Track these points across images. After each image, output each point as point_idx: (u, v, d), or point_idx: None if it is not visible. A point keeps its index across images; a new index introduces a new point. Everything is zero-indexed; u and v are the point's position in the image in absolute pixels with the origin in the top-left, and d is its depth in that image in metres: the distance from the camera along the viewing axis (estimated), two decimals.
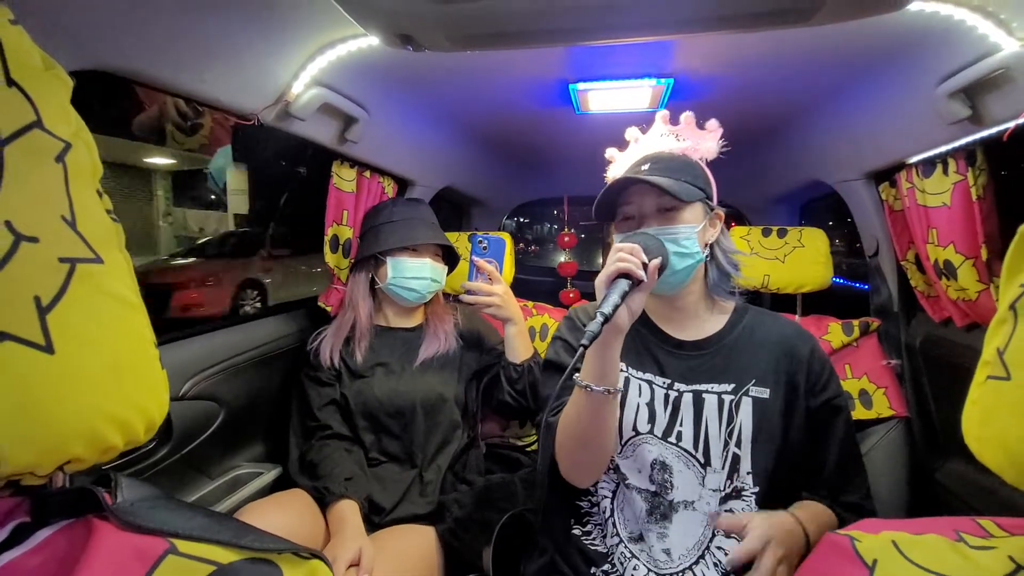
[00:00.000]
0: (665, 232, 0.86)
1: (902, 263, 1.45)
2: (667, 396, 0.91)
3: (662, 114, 0.97)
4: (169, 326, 1.26)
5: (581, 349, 0.72)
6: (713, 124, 0.95)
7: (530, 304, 1.82)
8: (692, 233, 0.87)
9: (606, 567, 0.90)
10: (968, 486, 1.22)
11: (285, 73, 1.06)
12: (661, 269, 0.80)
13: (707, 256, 0.93)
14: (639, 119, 1.49)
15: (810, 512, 0.83)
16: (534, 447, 1.63)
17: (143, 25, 0.79)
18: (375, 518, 1.22)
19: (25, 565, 0.37)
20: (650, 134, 0.98)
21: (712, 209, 0.93)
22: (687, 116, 0.96)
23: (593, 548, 0.92)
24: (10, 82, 0.37)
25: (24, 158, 0.37)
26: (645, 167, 0.90)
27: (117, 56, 0.79)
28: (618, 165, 1.02)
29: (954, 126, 1.03)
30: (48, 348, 0.36)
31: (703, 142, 0.94)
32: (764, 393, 0.89)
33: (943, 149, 1.14)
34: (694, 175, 0.89)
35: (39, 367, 0.36)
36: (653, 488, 0.89)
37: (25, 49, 0.40)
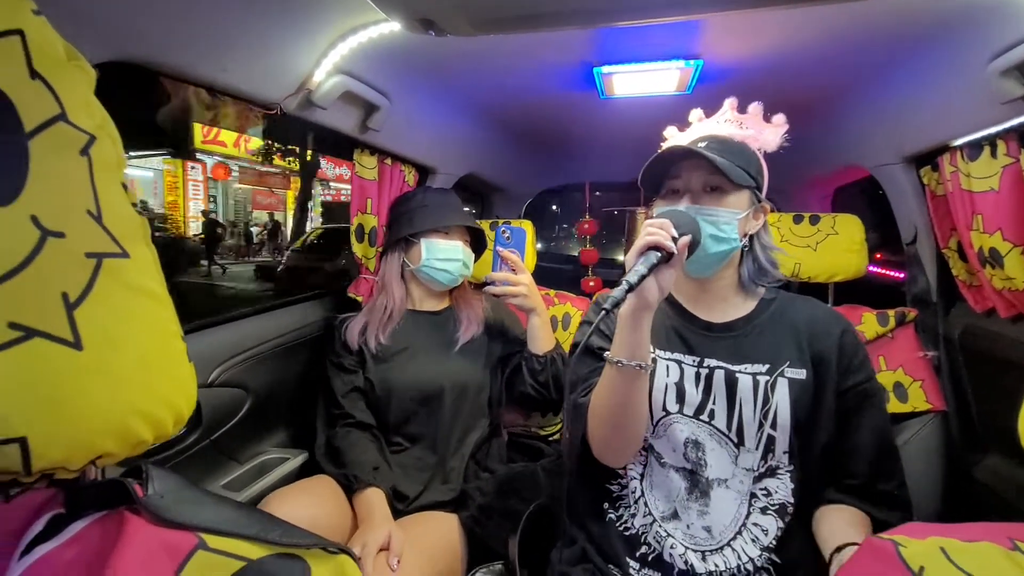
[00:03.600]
0: (705, 211, 0.85)
1: (943, 251, 1.38)
2: (698, 374, 0.90)
3: (730, 101, 0.95)
4: None
5: (603, 312, 0.73)
6: (780, 119, 0.93)
7: (551, 292, 1.81)
8: (733, 218, 0.85)
9: (643, 550, 0.90)
10: (1008, 483, 1.17)
11: (307, 61, 1.05)
12: (693, 247, 0.80)
13: (745, 246, 0.91)
14: (665, 103, 1.45)
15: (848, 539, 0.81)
16: (557, 437, 1.62)
17: (166, 15, 0.79)
18: (399, 505, 1.23)
19: (60, 558, 0.37)
20: (714, 118, 0.96)
21: (759, 201, 0.90)
22: (755, 107, 0.94)
23: (629, 533, 0.92)
24: (34, 74, 0.37)
25: (49, 152, 0.36)
26: (702, 145, 0.87)
27: (141, 47, 0.79)
28: (673, 142, 0.99)
29: (1006, 106, 0.97)
30: (76, 344, 0.36)
31: (765, 133, 0.92)
32: (800, 374, 0.87)
33: (992, 130, 1.08)
34: (747, 161, 0.87)
35: (68, 363, 0.36)
36: (688, 466, 0.89)
37: (48, 40, 0.40)
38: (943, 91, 1.13)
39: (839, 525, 0.84)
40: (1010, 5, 0.85)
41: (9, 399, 0.33)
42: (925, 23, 0.99)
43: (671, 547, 0.87)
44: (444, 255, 1.36)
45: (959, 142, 1.19)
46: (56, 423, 0.35)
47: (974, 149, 1.13)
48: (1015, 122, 1.01)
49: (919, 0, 0.85)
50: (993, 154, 1.10)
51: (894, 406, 1.38)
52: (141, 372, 0.40)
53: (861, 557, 0.49)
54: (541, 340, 1.35)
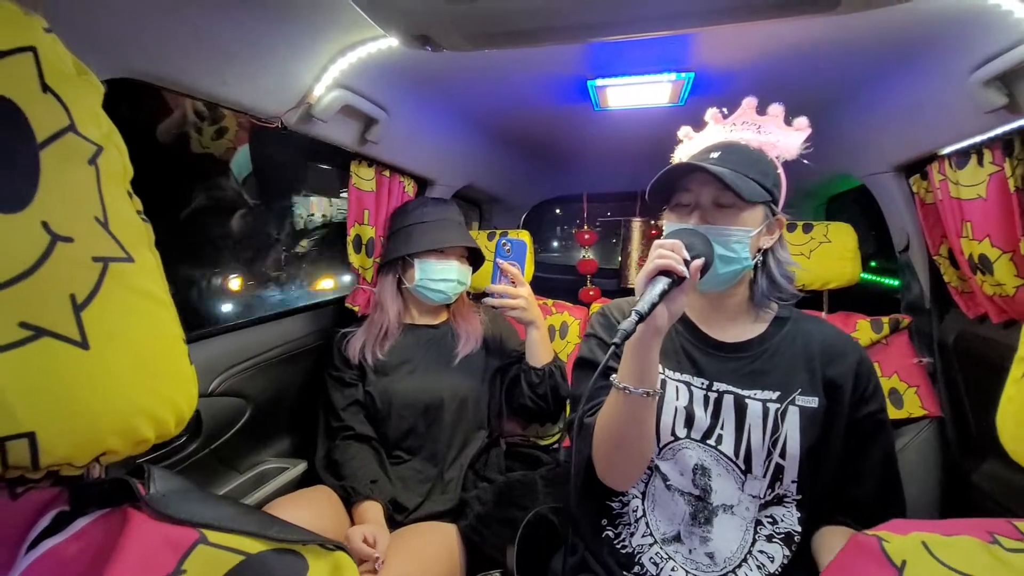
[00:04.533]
0: (716, 232, 0.81)
1: (935, 258, 1.40)
2: (707, 397, 0.88)
3: (749, 101, 0.91)
4: None
5: (612, 347, 0.69)
6: (803, 122, 0.88)
7: (549, 302, 1.82)
8: (745, 237, 0.82)
9: (637, 570, 0.89)
10: (1005, 488, 1.18)
11: (307, 76, 1.07)
12: (705, 268, 0.76)
13: (758, 263, 0.87)
14: (659, 115, 1.48)
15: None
16: (555, 445, 1.62)
17: (170, 32, 0.81)
18: (398, 517, 1.24)
19: (65, 552, 0.38)
20: (731, 118, 0.92)
21: (774, 214, 0.86)
22: (775, 108, 0.89)
23: (625, 551, 0.91)
24: (45, 88, 0.39)
25: (59, 161, 0.38)
26: (715, 155, 0.84)
27: (146, 63, 0.82)
28: (688, 147, 0.96)
29: (990, 115, 1.00)
30: (83, 344, 0.37)
31: (786, 138, 0.87)
32: (812, 402, 0.84)
33: (978, 139, 1.10)
34: (763, 173, 0.83)
35: (75, 362, 0.37)
36: (697, 492, 0.87)
37: (59, 56, 0.42)
38: (930, 101, 1.15)
39: (839, 542, 0.82)
40: (990, 17, 0.87)
41: (19, 395, 0.35)
42: (910, 34, 1.01)
43: (671, 570, 0.86)
44: (438, 275, 1.37)
45: (947, 151, 1.21)
46: (63, 419, 0.37)
47: (961, 157, 1.15)
48: (999, 131, 1.03)
49: (904, 13, 0.87)
50: (980, 162, 1.12)
51: (890, 412, 1.37)
52: (144, 372, 0.41)
53: (847, 553, 0.50)
54: (539, 353, 1.36)
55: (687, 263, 0.73)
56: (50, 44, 0.42)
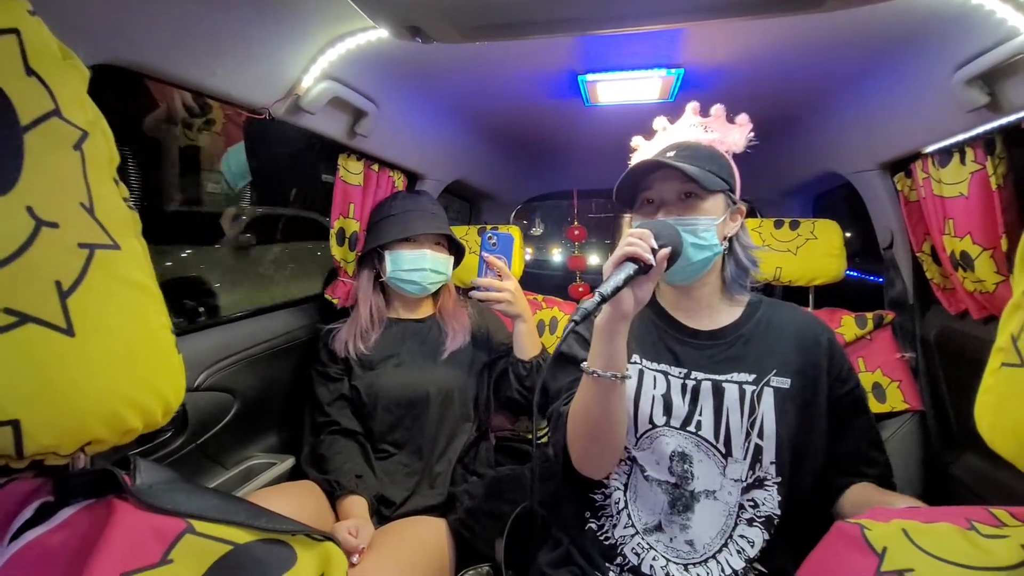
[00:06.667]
0: (684, 222, 0.85)
1: (917, 255, 1.43)
2: (684, 385, 0.90)
3: (692, 105, 0.96)
4: None
5: (571, 324, 0.71)
6: (743, 118, 0.94)
7: (539, 297, 1.82)
8: (711, 225, 0.86)
9: (619, 560, 0.90)
10: (984, 481, 1.20)
11: (295, 67, 1.06)
12: (673, 258, 0.79)
13: (725, 249, 0.92)
14: (649, 111, 1.48)
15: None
16: (543, 440, 1.63)
17: (156, 19, 0.80)
18: (385, 511, 1.24)
19: (48, 542, 0.38)
20: (678, 124, 0.97)
21: (734, 203, 0.91)
22: (717, 108, 0.94)
23: (608, 542, 0.92)
24: (29, 71, 0.38)
25: (43, 145, 0.37)
26: (671, 154, 0.89)
27: (131, 50, 0.80)
28: (642, 152, 1.01)
29: (972, 114, 1.01)
30: (69, 331, 0.37)
31: (730, 134, 0.93)
32: (785, 383, 0.88)
33: (960, 138, 1.12)
34: (719, 166, 0.88)
35: (60, 349, 0.37)
36: (673, 480, 0.89)
37: (43, 39, 0.41)
38: (914, 100, 1.17)
39: (873, 494, 0.85)
40: (971, 17, 0.89)
41: (2, 382, 0.34)
42: (895, 34, 1.03)
43: (652, 559, 0.87)
44: (409, 265, 1.36)
45: (930, 149, 1.23)
46: (48, 407, 0.36)
47: (944, 156, 1.17)
48: (981, 129, 1.05)
49: (888, 12, 0.88)
50: (962, 161, 1.14)
51: (873, 406, 1.40)
52: (131, 360, 0.41)
53: (830, 541, 0.51)
54: (527, 346, 1.36)
55: (655, 252, 0.76)
56: (34, 27, 0.41)
